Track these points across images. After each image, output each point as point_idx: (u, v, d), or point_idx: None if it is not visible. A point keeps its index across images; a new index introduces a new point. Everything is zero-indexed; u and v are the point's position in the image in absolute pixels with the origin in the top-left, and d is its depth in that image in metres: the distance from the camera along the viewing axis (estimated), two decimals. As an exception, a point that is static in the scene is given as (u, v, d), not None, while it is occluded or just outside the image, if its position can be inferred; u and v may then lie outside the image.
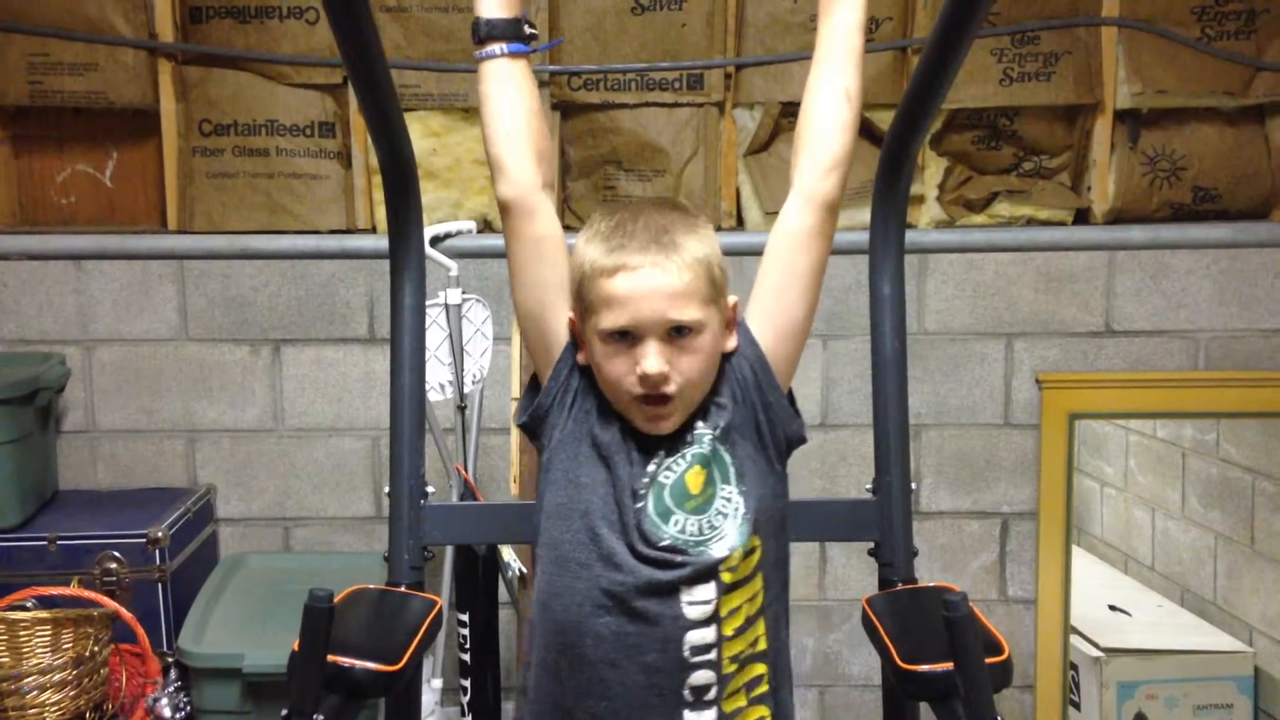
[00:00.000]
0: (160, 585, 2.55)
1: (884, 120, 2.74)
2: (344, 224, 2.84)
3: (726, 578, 1.32)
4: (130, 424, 2.87)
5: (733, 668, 1.34)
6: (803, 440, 1.42)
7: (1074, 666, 3.11)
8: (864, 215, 1.83)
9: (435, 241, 2.60)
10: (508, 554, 2.42)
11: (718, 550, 1.32)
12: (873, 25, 2.79)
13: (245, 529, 2.91)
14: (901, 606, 1.56)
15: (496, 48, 1.38)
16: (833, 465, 2.88)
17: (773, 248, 1.39)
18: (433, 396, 2.46)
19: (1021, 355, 2.87)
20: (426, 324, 1.81)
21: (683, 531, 1.32)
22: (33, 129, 2.88)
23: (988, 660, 1.28)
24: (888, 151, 1.68)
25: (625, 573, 1.31)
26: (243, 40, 2.79)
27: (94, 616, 2.35)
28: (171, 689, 2.42)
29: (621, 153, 2.84)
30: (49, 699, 2.28)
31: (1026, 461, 2.89)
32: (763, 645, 1.37)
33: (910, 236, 2.50)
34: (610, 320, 1.29)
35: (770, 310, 1.39)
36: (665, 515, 1.32)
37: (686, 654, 1.31)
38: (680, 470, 1.34)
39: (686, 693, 1.32)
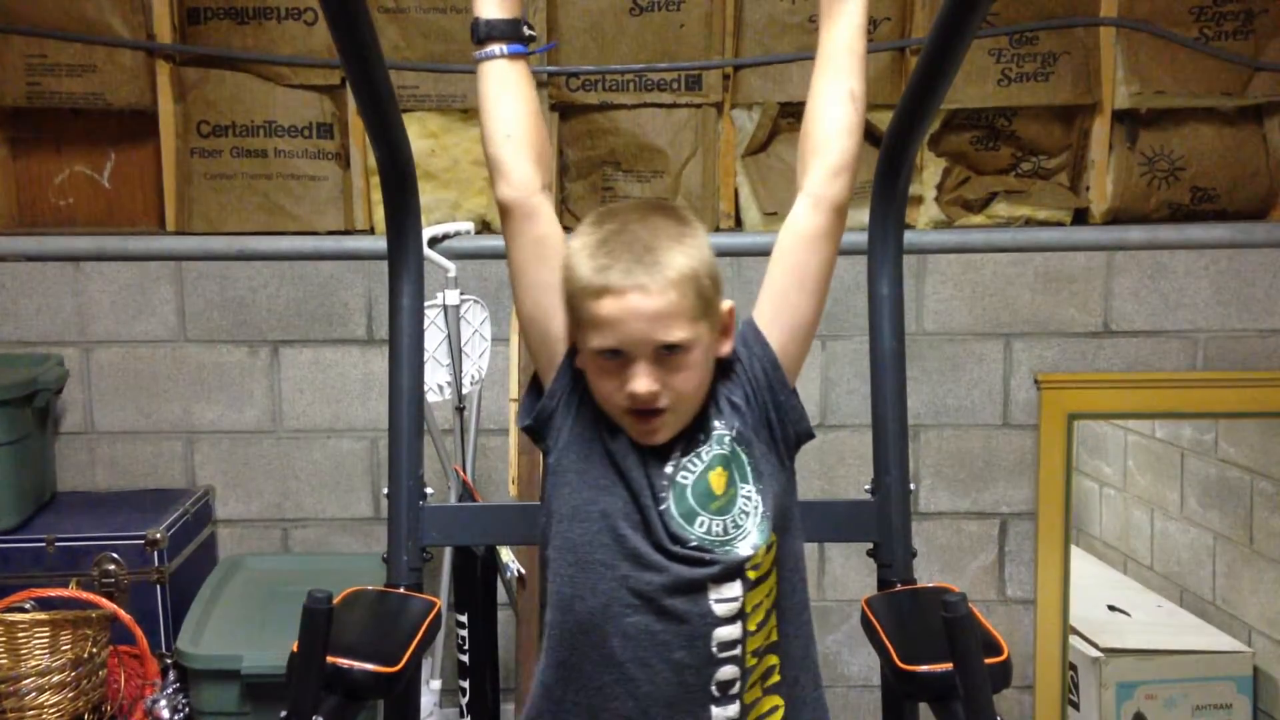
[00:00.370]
0: (159, 587, 2.55)
1: (883, 121, 2.73)
2: (342, 225, 2.84)
3: (751, 575, 1.34)
4: (129, 425, 2.87)
5: (753, 661, 1.36)
6: (811, 436, 1.43)
7: (1073, 667, 3.11)
8: (862, 216, 1.83)
9: (433, 242, 2.60)
10: (506, 555, 2.42)
11: (743, 549, 1.33)
12: (871, 25, 2.76)
13: (244, 530, 2.91)
14: (900, 607, 1.56)
15: (495, 48, 1.38)
16: (831, 466, 2.88)
17: (781, 249, 1.40)
18: (431, 398, 2.46)
19: (1020, 355, 2.87)
20: (425, 325, 1.81)
21: (708, 532, 1.33)
22: (31, 130, 2.88)
23: (987, 661, 1.28)
24: (886, 152, 1.69)
25: (655, 571, 1.31)
26: (241, 41, 2.78)
27: (92, 618, 2.35)
28: (170, 690, 2.42)
29: (620, 154, 2.84)
30: (47, 700, 2.27)
31: (1025, 462, 2.89)
32: (774, 637, 1.38)
33: (909, 237, 2.50)
34: (599, 341, 1.29)
35: (779, 310, 1.40)
36: (690, 516, 1.33)
37: (714, 650, 1.32)
38: (698, 470, 1.35)
39: (713, 688, 1.33)
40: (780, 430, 1.39)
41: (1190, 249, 2.84)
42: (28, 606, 2.35)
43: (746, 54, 2.82)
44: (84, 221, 2.92)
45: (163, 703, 2.40)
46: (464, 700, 2.50)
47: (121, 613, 2.38)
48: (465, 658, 2.49)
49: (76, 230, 2.89)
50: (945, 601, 1.26)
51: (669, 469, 1.35)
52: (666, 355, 1.29)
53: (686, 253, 1.30)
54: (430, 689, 2.57)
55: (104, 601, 2.38)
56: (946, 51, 1.43)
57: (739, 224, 2.89)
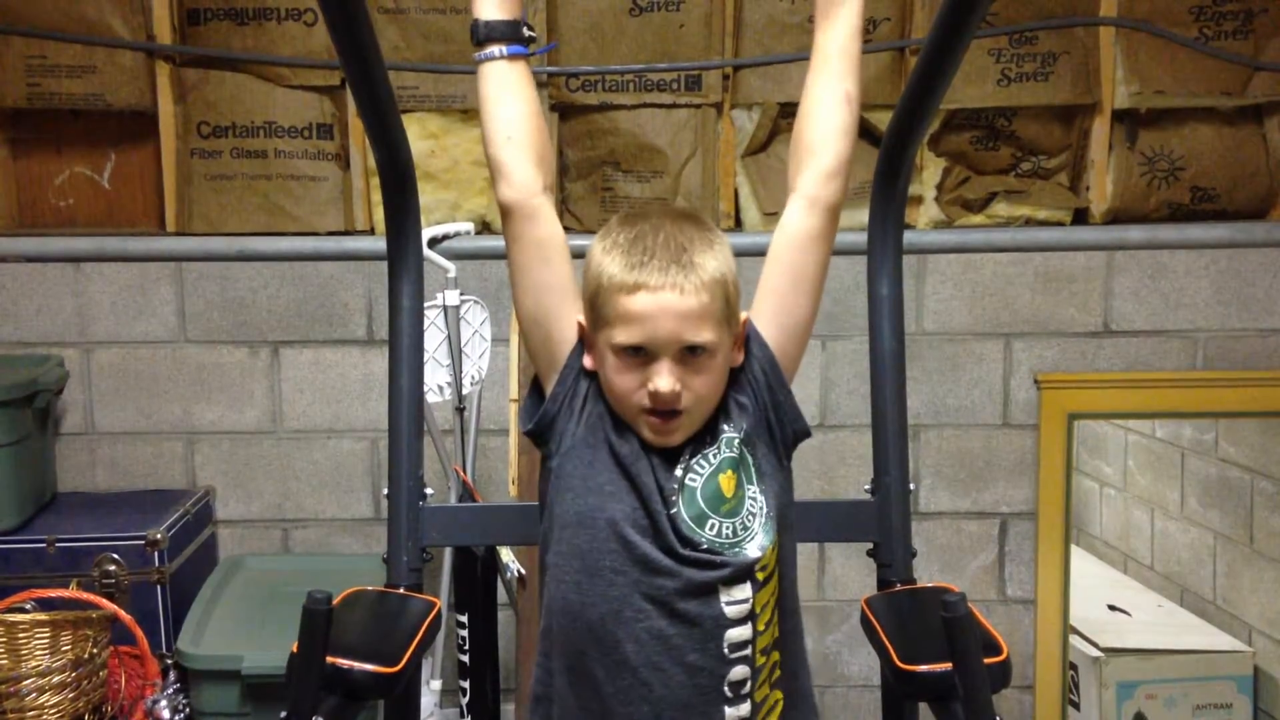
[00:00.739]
0: (159, 587, 2.55)
1: (882, 121, 2.74)
2: (342, 226, 2.84)
3: (759, 576, 1.35)
4: (129, 426, 2.87)
5: (762, 660, 1.36)
6: (808, 435, 1.43)
7: (1073, 666, 3.11)
8: (862, 216, 1.84)
9: (433, 243, 2.60)
10: (506, 555, 2.42)
11: (751, 550, 1.34)
12: (870, 26, 2.79)
13: (244, 531, 2.91)
14: (900, 607, 1.56)
15: (495, 50, 1.38)
16: (831, 466, 2.88)
17: (776, 251, 1.40)
18: (431, 398, 2.46)
19: (1020, 355, 2.87)
20: (425, 325, 1.81)
21: (719, 535, 1.34)
22: (31, 131, 2.88)
23: (986, 660, 1.28)
24: (886, 152, 1.69)
25: (666, 576, 1.32)
26: (240, 42, 2.79)
27: (93, 618, 2.35)
28: (170, 691, 2.42)
29: (620, 154, 2.85)
30: (48, 701, 2.28)
31: (1025, 462, 2.89)
32: (777, 634, 1.39)
33: (908, 237, 2.50)
34: (625, 336, 1.30)
35: (775, 311, 1.40)
36: (701, 519, 1.33)
37: (726, 651, 1.33)
38: (706, 473, 1.35)
39: (726, 688, 1.34)
40: (779, 430, 1.40)
41: (1190, 249, 2.84)
42: (28, 607, 2.35)
43: (746, 54, 2.82)
44: (84, 222, 2.92)
45: (163, 703, 2.40)
46: (464, 700, 2.50)
47: (122, 613, 2.38)
48: (465, 658, 2.49)
49: (77, 231, 2.89)
50: (945, 601, 1.26)
51: (678, 472, 1.35)
52: (689, 356, 1.30)
53: (717, 258, 1.33)
54: (430, 689, 2.57)
55: (104, 602, 2.38)
56: (946, 51, 1.43)
57: (738, 224, 2.89)
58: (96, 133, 2.88)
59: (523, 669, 2.38)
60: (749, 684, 1.35)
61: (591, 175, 2.87)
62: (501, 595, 2.60)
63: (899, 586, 1.65)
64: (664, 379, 1.29)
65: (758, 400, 1.39)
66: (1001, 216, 2.87)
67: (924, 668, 1.36)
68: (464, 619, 2.48)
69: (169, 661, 2.47)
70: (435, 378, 2.48)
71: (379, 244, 2.62)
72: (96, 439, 2.87)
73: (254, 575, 2.74)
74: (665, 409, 1.31)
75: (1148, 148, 2.85)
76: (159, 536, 2.53)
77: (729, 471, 1.35)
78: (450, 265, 2.51)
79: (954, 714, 1.30)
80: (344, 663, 1.34)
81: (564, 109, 2.85)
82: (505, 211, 1.38)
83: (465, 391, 2.53)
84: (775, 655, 1.39)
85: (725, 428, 1.37)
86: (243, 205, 2.82)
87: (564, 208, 2.90)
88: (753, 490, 1.37)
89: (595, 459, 1.36)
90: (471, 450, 2.58)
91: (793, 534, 1.44)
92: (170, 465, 2.88)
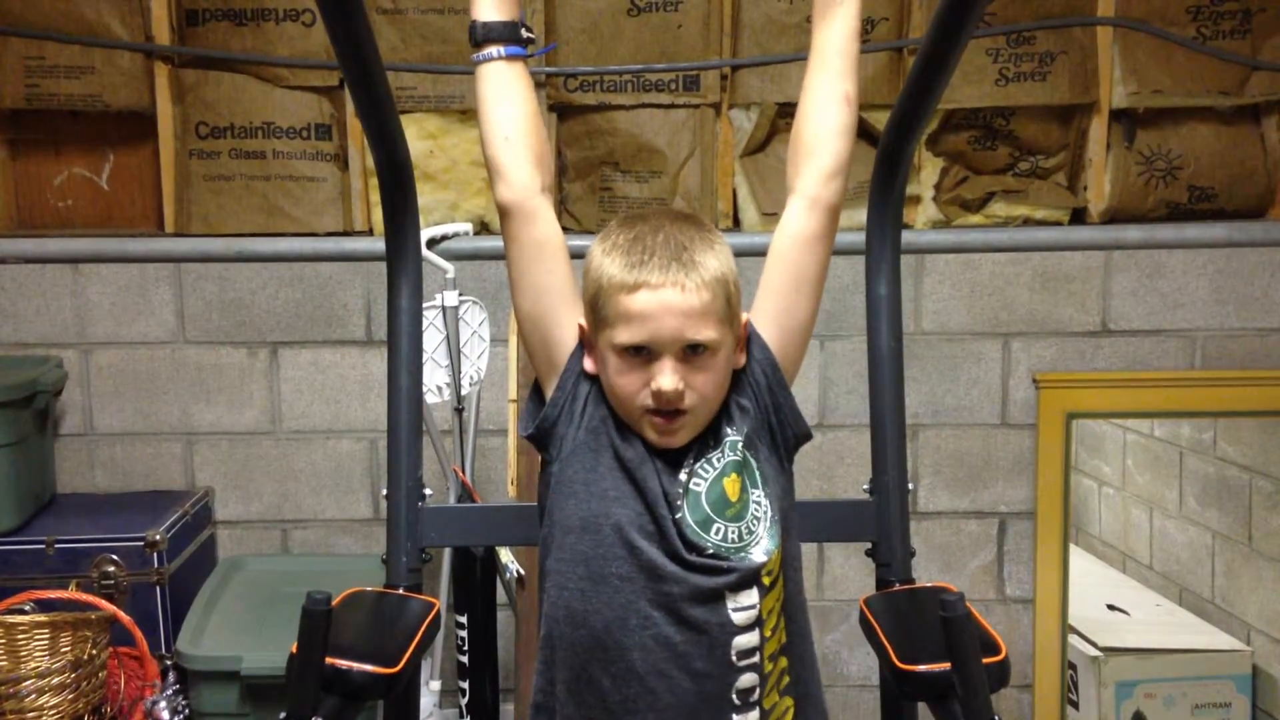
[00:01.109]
0: (158, 588, 2.55)
1: (880, 121, 2.74)
2: (341, 226, 2.84)
3: (766, 581, 1.34)
4: (128, 427, 2.87)
5: (770, 666, 1.36)
6: (809, 437, 1.43)
7: (1072, 666, 3.12)
8: (860, 216, 1.84)
9: (432, 244, 2.61)
10: (505, 556, 2.42)
11: (757, 555, 1.33)
12: (868, 26, 2.79)
13: (243, 531, 2.91)
14: (899, 607, 1.56)
15: (494, 50, 1.38)
16: (830, 466, 2.88)
17: (776, 252, 1.40)
18: (430, 399, 2.46)
19: (1018, 355, 2.87)
20: (424, 326, 1.82)
21: (724, 540, 1.33)
22: (29, 132, 2.88)
23: (985, 660, 1.28)
24: (884, 152, 1.69)
25: (672, 582, 1.31)
26: (239, 43, 2.79)
27: (92, 619, 2.35)
28: (170, 692, 2.42)
29: (618, 154, 2.85)
30: (47, 702, 2.27)
31: (1024, 461, 2.90)
32: (784, 639, 1.38)
33: (907, 237, 2.50)
34: (627, 336, 1.29)
35: (776, 313, 1.40)
36: (706, 524, 1.32)
37: (734, 658, 1.32)
38: (711, 477, 1.34)
39: (734, 696, 1.33)
40: (781, 433, 1.40)
41: (1188, 248, 2.84)
42: (27, 608, 2.35)
43: (744, 54, 2.82)
44: (83, 223, 2.92)
45: (162, 704, 2.40)
46: (463, 701, 2.50)
47: (121, 614, 2.38)
48: (465, 658, 2.49)
49: (75, 232, 2.89)
50: (943, 601, 1.26)
51: (683, 476, 1.34)
52: (692, 355, 1.30)
53: (718, 258, 1.32)
54: (430, 690, 2.57)
55: (104, 603, 2.38)
56: (944, 51, 1.43)
57: (737, 224, 2.90)
58: (95, 133, 2.88)
59: (522, 670, 2.38)
60: (757, 691, 1.34)
61: (590, 175, 2.87)
62: (501, 596, 2.60)
63: (898, 586, 1.65)
64: (667, 377, 1.29)
65: (759, 403, 1.38)
66: (999, 216, 2.88)
67: (923, 667, 1.36)
68: (463, 619, 2.48)
69: (168, 662, 2.47)
70: (434, 378, 2.48)
71: (378, 244, 2.63)
72: (95, 440, 2.87)
73: (253, 576, 2.74)
74: (669, 409, 1.30)
75: (1145, 147, 2.85)
76: (158, 537, 2.53)
77: (733, 475, 1.35)
78: (449, 266, 2.51)
79: (953, 713, 1.30)
80: (343, 663, 1.34)
81: (562, 109, 2.85)
82: (503, 212, 1.38)
83: (464, 392, 2.54)
84: (783, 661, 1.38)
85: (728, 431, 1.36)
86: (241, 206, 2.82)
87: (563, 208, 2.90)
88: (757, 494, 1.36)
89: (599, 463, 1.35)
90: (470, 451, 2.58)
91: (795, 537, 1.43)
92: (169, 466, 2.88)
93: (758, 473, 1.37)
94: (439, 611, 1.54)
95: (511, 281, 1.39)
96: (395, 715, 1.66)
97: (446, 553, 2.50)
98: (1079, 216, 2.90)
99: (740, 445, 1.36)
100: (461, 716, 2.52)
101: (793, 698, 1.40)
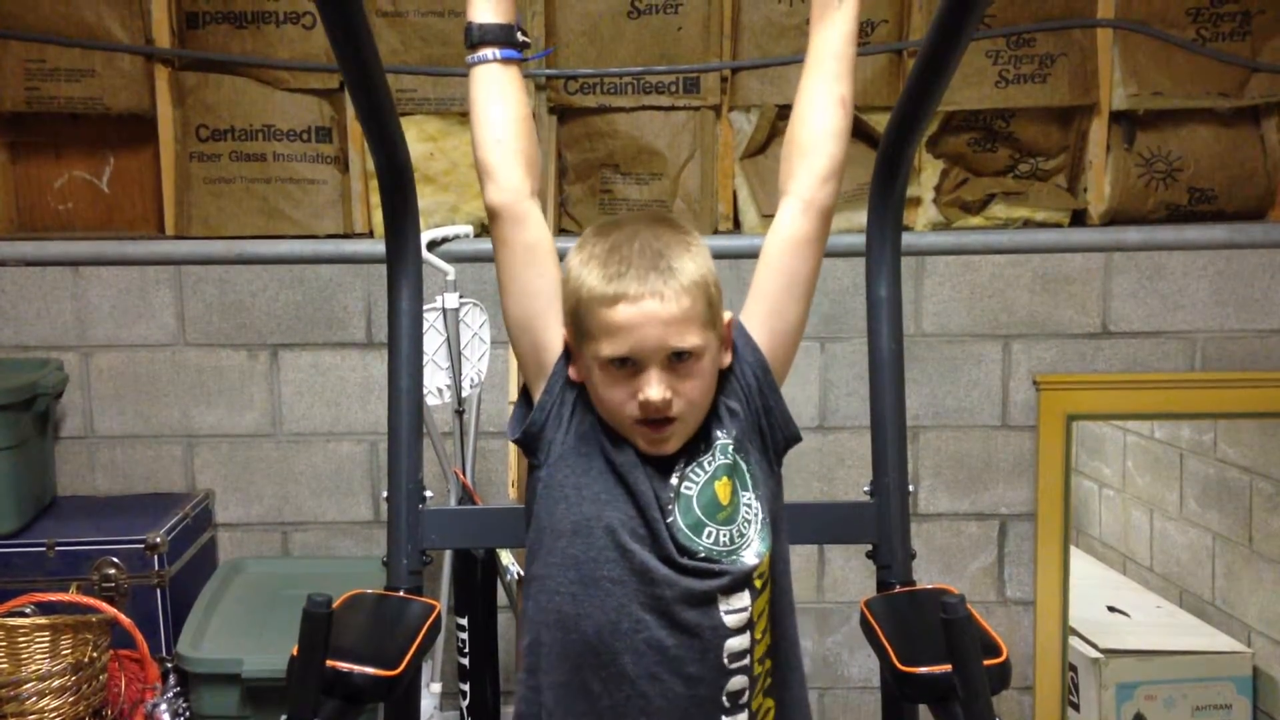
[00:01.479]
0: (159, 591, 2.55)
1: (880, 123, 2.74)
2: (341, 229, 2.84)
3: (757, 584, 1.34)
4: (128, 429, 2.87)
5: (759, 669, 1.36)
6: (798, 440, 1.42)
7: (1073, 667, 3.12)
8: (860, 218, 1.84)
9: (432, 246, 2.61)
10: (506, 558, 2.42)
11: (748, 558, 1.33)
12: (868, 28, 2.79)
13: (244, 534, 2.91)
14: (900, 609, 1.56)
15: (488, 53, 1.38)
16: (831, 468, 2.88)
17: (769, 254, 1.39)
18: (430, 401, 2.46)
19: (1019, 357, 2.87)
20: (424, 328, 1.82)
21: (716, 543, 1.32)
22: (30, 135, 2.88)
23: (986, 662, 1.28)
24: (884, 154, 1.69)
25: (664, 586, 1.30)
26: (239, 45, 2.79)
27: (93, 622, 2.35)
28: (170, 694, 2.42)
29: (618, 156, 2.85)
30: (48, 705, 2.27)
31: (1024, 463, 2.90)
32: (770, 641, 1.38)
33: (907, 239, 2.50)
34: (611, 349, 1.28)
35: (767, 315, 1.39)
36: (698, 527, 1.32)
37: (725, 661, 1.32)
38: (702, 480, 1.34)
39: (724, 699, 1.33)
40: (771, 435, 1.39)
41: (1188, 250, 2.84)
42: (28, 611, 2.35)
43: (744, 56, 2.82)
44: (83, 226, 2.92)
45: (163, 706, 2.40)
46: (464, 703, 2.50)
47: (122, 617, 2.38)
48: (465, 661, 2.49)
49: (76, 235, 2.89)
50: (944, 603, 1.26)
51: (674, 480, 1.34)
52: (677, 363, 1.29)
53: (696, 261, 1.31)
54: (430, 692, 2.57)
55: (104, 606, 2.38)
56: (943, 53, 1.43)
57: (737, 225, 2.90)
58: (95, 136, 2.88)
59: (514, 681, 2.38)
60: (746, 694, 1.34)
61: (590, 177, 2.88)
62: (501, 598, 2.60)
63: (898, 588, 1.65)
64: (653, 388, 1.28)
65: (749, 405, 1.38)
66: (1000, 218, 2.88)
67: (924, 669, 1.36)
68: (464, 622, 2.48)
69: (169, 665, 2.47)
70: (435, 380, 2.48)
71: (378, 247, 2.63)
72: (96, 442, 2.87)
73: (253, 578, 2.74)
74: (657, 418, 1.30)
75: (1145, 149, 2.85)
76: (158, 540, 2.53)
77: (724, 478, 1.34)
78: (449, 268, 2.51)
79: (954, 715, 1.30)
80: (344, 666, 1.34)
81: (562, 111, 2.85)
82: (493, 215, 1.37)
83: (464, 394, 2.54)
84: (768, 663, 1.38)
85: (718, 434, 1.36)
86: (241, 208, 2.82)
87: (563, 210, 2.90)
88: (748, 497, 1.35)
89: (590, 468, 1.34)
90: (471, 453, 2.58)
91: (785, 540, 1.42)
92: (170, 468, 2.88)
93: (748, 475, 1.36)
94: (440, 614, 1.54)
95: (500, 285, 1.38)
96: (396, 717, 1.66)
97: (447, 555, 2.50)
98: (1079, 218, 2.90)
99: (731, 448, 1.35)
100: (462, 718, 2.52)
101: (774, 699, 1.40)
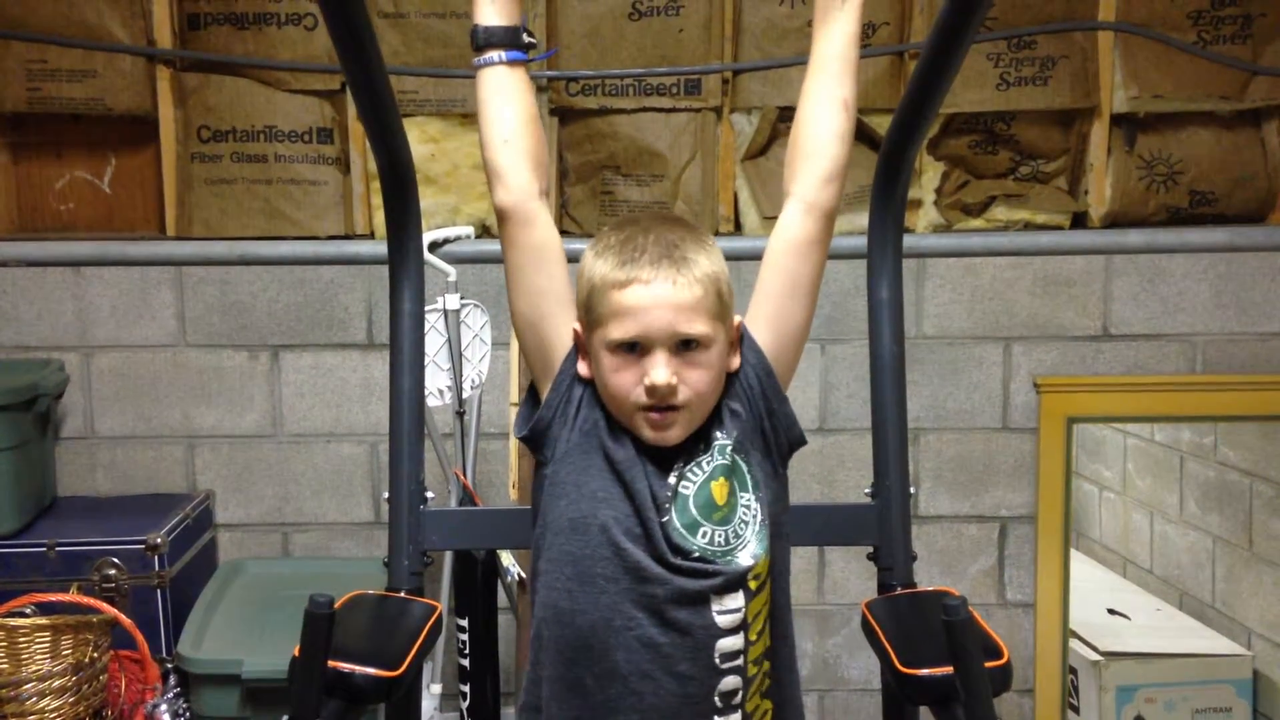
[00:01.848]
0: (159, 591, 2.55)
1: (881, 125, 2.75)
2: (342, 229, 2.85)
3: (752, 585, 1.34)
4: (129, 430, 2.87)
5: (754, 670, 1.36)
6: (803, 443, 1.43)
7: (1073, 670, 3.12)
8: (862, 220, 1.84)
9: (434, 247, 2.61)
10: (507, 559, 2.42)
11: (744, 559, 1.34)
12: (869, 29, 2.79)
13: (244, 535, 2.91)
14: (901, 611, 1.56)
15: (495, 55, 1.39)
16: (831, 470, 2.88)
17: (772, 256, 1.40)
18: (431, 402, 2.46)
19: (1019, 359, 2.87)
20: (425, 329, 1.82)
21: (710, 543, 1.33)
22: (31, 136, 2.88)
23: (987, 664, 1.28)
24: (885, 156, 1.69)
25: (657, 584, 1.31)
26: (241, 47, 2.79)
27: (93, 623, 2.35)
28: (171, 695, 2.42)
29: (620, 158, 2.85)
30: (48, 705, 2.27)
31: (1025, 465, 2.90)
32: (768, 642, 1.39)
33: (908, 241, 2.50)
34: (620, 331, 1.30)
35: (771, 317, 1.40)
36: (693, 527, 1.33)
37: (717, 661, 1.33)
38: (699, 480, 1.35)
39: (716, 699, 1.33)
40: (774, 438, 1.40)
41: (1189, 252, 2.84)
42: (28, 611, 2.35)
43: (745, 58, 2.82)
44: (84, 227, 2.92)
45: (163, 707, 2.40)
46: (465, 704, 2.50)
47: (122, 617, 2.38)
48: (466, 662, 2.49)
49: (77, 235, 2.89)
50: (945, 605, 1.26)
51: (671, 479, 1.34)
52: (685, 350, 1.30)
53: (709, 256, 1.34)
54: (431, 693, 2.57)
55: (105, 606, 2.38)
56: (945, 56, 1.43)
57: (738, 227, 2.90)
58: (97, 137, 2.88)
59: (523, 673, 2.38)
60: (740, 694, 1.35)
61: (591, 179, 2.88)
62: (502, 599, 2.60)
63: (899, 590, 1.64)
64: (660, 370, 1.29)
65: (752, 408, 1.38)
66: (1000, 220, 2.88)
67: (925, 671, 1.36)
68: (464, 623, 2.48)
69: (169, 665, 2.47)
70: (436, 381, 2.49)
71: (379, 248, 2.63)
72: (96, 443, 2.87)
73: (254, 579, 2.74)
74: (662, 404, 1.31)
75: (1146, 152, 2.85)
76: (159, 540, 2.53)
77: (721, 479, 1.35)
78: (451, 269, 2.51)
79: (955, 717, 1.30)
80: (345, 666, 1.34)
81: (564, 113, 2.86)
82: (501, 216, 1.38)
83: (465, 395, 2.54)
84: (767, 664, 1.39)
85: (718, 435, 1.36)
86: (243, 209, 2.82)
87: (564, 211, 2.90)
88: (746, 498, 1.36)
89: (589, 465, 1.35)
90: (472, 454, 2.58)
91: (786, 543, 1.43)
92: (170, 469, 2.88)
93: (748, 477, 1.37)
94: (440, 615, 1.54)
95: (509, 285, 1.40)
96: (396, 718, 1.66)
97: (448, 556, 2.50)
98: (1080, 221, 2.91)
99: (729, 449, 1.36)
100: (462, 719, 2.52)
101: (772, 700, 1.40)
